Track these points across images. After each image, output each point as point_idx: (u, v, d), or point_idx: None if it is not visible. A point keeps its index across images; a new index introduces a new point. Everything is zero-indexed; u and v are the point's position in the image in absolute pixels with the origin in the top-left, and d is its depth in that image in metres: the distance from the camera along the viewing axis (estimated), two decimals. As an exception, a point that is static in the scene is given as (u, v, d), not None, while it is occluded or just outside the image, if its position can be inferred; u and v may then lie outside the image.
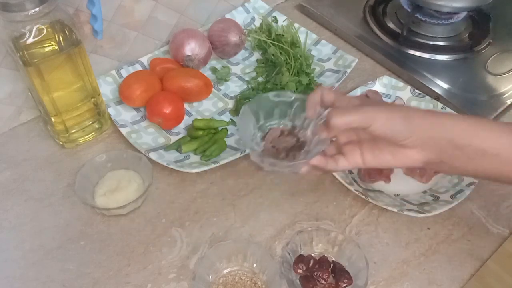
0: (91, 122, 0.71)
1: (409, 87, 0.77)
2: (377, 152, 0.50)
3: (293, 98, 0.54)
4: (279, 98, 0.55)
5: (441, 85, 0.79)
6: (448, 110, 0.73)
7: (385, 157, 0.50)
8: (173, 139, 0.72)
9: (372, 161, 0.51)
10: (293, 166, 0.52)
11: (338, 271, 0.56)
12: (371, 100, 0.50)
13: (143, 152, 0.67)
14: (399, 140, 0.48)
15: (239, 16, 0.89)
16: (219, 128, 0.72)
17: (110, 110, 0.73)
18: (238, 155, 0.67)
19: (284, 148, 0.53)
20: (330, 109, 0.50)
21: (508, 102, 0.76)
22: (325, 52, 0.84)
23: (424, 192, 0.66)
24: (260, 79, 0.81)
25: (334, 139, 0.54)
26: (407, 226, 0.63)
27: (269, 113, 0.56)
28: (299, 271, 0.56)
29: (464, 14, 0.87)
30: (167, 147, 0.69)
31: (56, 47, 0.60)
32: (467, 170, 0.50)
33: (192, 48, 0.78)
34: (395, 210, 0.61)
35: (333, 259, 0.58)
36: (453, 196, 0.63)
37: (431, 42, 0.86)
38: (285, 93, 0.55)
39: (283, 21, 0.88)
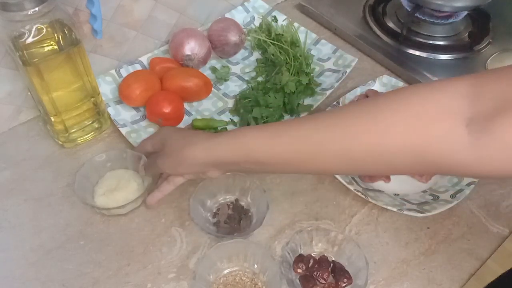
0: (90, 122, 0.71)
1: (409, 87, 0.77)
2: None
3: None
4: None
5: (441, 84, 0.79)
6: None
7: (196, 175, 0.59)
8: (173, 138, 0.72)
9: (191, 177, 0.60)
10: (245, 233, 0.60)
11: (338, 271, 0.56)
12: (163, 138, 0.60)
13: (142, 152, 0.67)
14: (192, 174, 0.58)
15: (239, 16, 0.89)
16: (219, 128, 0.72)
17: (110, 110, 0.73)
18: (238, 154, 0.67)
19: (235, 221, 0.61)
20: (146, 161, 0.63)
21: (508, 101, 0.76)
22: (324, 52, 0.84)
23: (424, 191, 0.66)
24: (259, 78, 0.81)
25: None
26: (407, 226, 0.63)
27: (212, 193, 0.64)
28: (299, 270, 0.56)
29: (463, 13, 0.87)
30: (166, 147, 0.69)
31: (56, 47, 0.60)
32: (256, 172, 0.61)
33: (191, 48, 0.78)
34: (395, 209, 0.61)
35: (333, 259, 0.58)
36: (452, 196, 0.63)
37: (431, 42, 0.86)
38: None
39: (283, 21, 0.88)
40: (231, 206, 0.63)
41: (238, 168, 0.55)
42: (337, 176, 0.64)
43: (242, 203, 0.63)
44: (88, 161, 0.65)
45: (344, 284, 0.55)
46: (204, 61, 0.80)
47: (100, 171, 0.65)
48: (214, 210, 0.63)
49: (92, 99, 0.69)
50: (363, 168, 0.48)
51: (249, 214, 0.62)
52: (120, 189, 0.63)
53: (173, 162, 0.56)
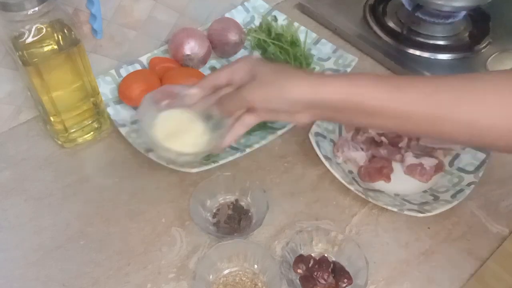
0: (90, 122, 0.71)
1: (409, 87, 0.77)
2: (274, 112, 0.52)
3: None
4: None
5: (441, 84, 0.79)
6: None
7: (281, 116, 0.53)
8: (173, 138, 0.72)
9: (271, 117, 0.54)
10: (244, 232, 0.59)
11: (338, 271, 0.56)
12: (257, 67, 0.52)
13: (142, 151, 0.67)
14: (282, 111, 0.51)
15: (239, 15, 0.89)
16: (219, 128, 0.72)
17: (110, 110, 0.73)
18: (238, 154, 0.67)
19: (235, 222, 0.60)
20: (220, 97, 0.53)
21: (508, 101, 0.76)
22: (325, 51, 0.84)
23: (424, 191, 0.66)
24: (259, 78, 0.81)
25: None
26: (407, 226, 0.62)
27: (212, 193, 0.62)
28: (299, 271, 0.56)
29: (464, 13, 0.87)
30: (166, 147, 0.69)
31: (56, 47, 0.60)
32: (353, 124, 0.54)
33: (191, 48, 0.78)
34: (395, 209, 0.61)
35: (333, 259, 0.58)
36: (453, 196, 0.63)
37: (431, 41, 0.86)
38: None
39: (283, 20, 0.88)
40: (231, 206, 0.63)
41: (338, 116, 0.50)
42: (337, 176, 0.64)
43: (242, 203, 0.63)
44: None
45: (344, 284, 0.55)
46: (204, 61, 0.80)
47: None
48: (214, 210, 0.63)
49: (92, 99, 0.69)
50: (488, 141, 0.46)
51: (249, 214, 0.62)
52: (184, 132, 0.55)
53: (268, 93, 0.50)
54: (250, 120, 0.54)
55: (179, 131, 0.54)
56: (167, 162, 0.63)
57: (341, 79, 0.49)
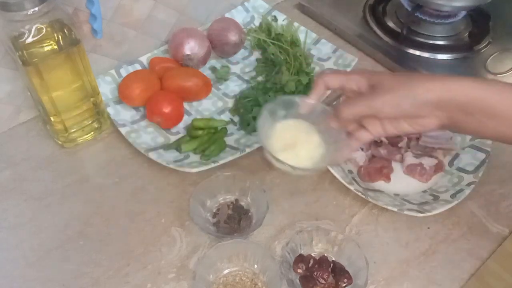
0: (90, 122, 0.71)
1: (409, 87, 0.77)
2: (395, 122, 0.52)
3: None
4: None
5: (441, 84, 0.79)
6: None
7: (403, 126, 0.52)
8: (173, 138, 0.72)
9: (392, 130, 0.53)
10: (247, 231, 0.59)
11: (338, 271, 0.56)
12: (377, 76, 0.51)
13: (142, 151, 0.67)
14: (409, 116, 0.50)
15: (239, 15, 0.89)
16: (219, 128, 0.72)
17: (110, 110, 0.73)
18: (238, 154, 0.67)
19: (235, 222, 0.60)
20: (337, 105, 0.53)
21: (508, 101, 0.76)
22: (325, 51, 0.84)
23: (424, 191, 0.66)
24: (259, 78, 0.81)
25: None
26: (407, 226, 0.62)
27: (212, 193, 0.62)
28: (299, 270, 0.56)
29: (464, 13, 0.87)
30: (166, 147, 0.69)
31: (55, 47, 0.60)
32: (478, 132, 0.51)
33: (191, 47, 0.78)
34: (395, 209, 0.61)
35: (333, 259, 0.58)
36: (453, 196, 0.63)
37: (431, 41, 0.86)
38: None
39: (283, 20, 0.88)
40: (231, 206, 0.63)
41: (466, 120, 0.48)
42: (337, 176, 0.64)
43: (242, 203, 0.63)
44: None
45: (344, 284, 0.55)
46: (204, 61, 0.80)
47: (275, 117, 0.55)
48: (214, 210, 0.63)
49: (92, 99, 0.69)
50: None
51: (249, 214, 0.62)
52: (301, 144, 0.54)
53: (396, 97, 0.48)
54: (366, 137, 0.54)
55: (295, 142, 0.54)
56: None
57: (469, 79, 0.47)
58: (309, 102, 0.55)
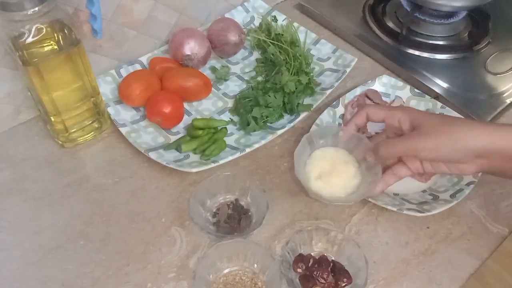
0: (90, 122, 0.71)
1: (408, 87, 0.77)
2: (435, 164, 0.53)
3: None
4: None
5: (440, 84, 0.79)
6: (448, 109, 0.73)
7: (442, 168, 0.53)
8: (173, 138, 0.72)
9: (430, 169, 0.55)
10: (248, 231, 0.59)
11: (338, 270, 0.56)
12: (420, 117, 0.52)
13: (142, 151, 0.67)
14: (449, 161, 0.51)
15: (239, 16, 0.89)
16: (219, 128, 0.72)
17: (110, 110, 0.73)
18: (238, 154, 0.67)
19: (235, 221, 0.60)
20: (378, 142, 0.54)
21: (508, 101, 0.76)
22: (324, 52, 0.84)
23: (424, 191, 0.66)
24: (259, 78, 0.81)
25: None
26: (407, 225, 0.63)
27: (212, 193, 0.62)
28: (299, 270, 0.56)
29: (463, 13, 0.87)
30: (166, 147, 0.69)
31: (56, 47, 0.60)
32: None
33: (191, 48, 0.78)
34: (395, 209, 0.61)
35: (333, 258, 0.58)
36: (452, 195, 0.63)
37: (431, 42, 0.86)
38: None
39: (283, 21, 0.88)
40: (231, 206, 0.63)
41: (508, 167, 0.49)
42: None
43: (242, 203, 0.63)
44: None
45: (343, 284, 0.55)
46: (204, 61, 0.80)
47: (313, 146, 0.57)
48: (214, 210, 0.63)
49: (92, 99, 0.69)
50: None
51: (249, 213, 0.62)
52: (337, 173, 0.55)
53: (439, 143, 0.49)
54: (403, 173, 0.55)
55: (332, 171, 0.56)
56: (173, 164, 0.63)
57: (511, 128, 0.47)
58: (348, 131, 0.56)
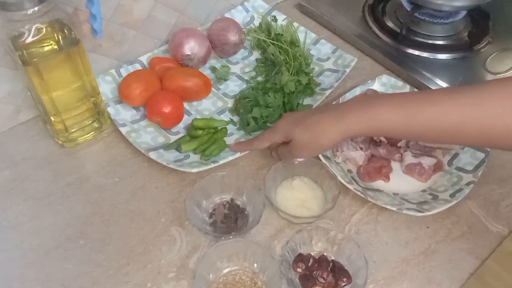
0: (90, 122, 0.71)
1: (408, 86, 0.77)
2: None
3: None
4: None
5: (440, 84, 0.79)
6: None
7: None
8: (173, 138, 0.72)
9: None
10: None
11: (338, 270, 0.56)
12: (291, 132, 0.61)
13: (142, 151, 0.67)
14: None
15: (239, 15, 0.89)
16: (219, 128, 0.72)
17: (110, 109, 0.73)
18: (238, 154, 0.67)
19: (231, 221, 0.61)
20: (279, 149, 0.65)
21: (508, 101, 0.76)
22: (324, 52, 0.84)
23: (423, 191, 0.66)
24: (259, 78, 0.81)
25: None
26: (407, 225, 0.63)
27: (208, 194, 0.63)
28: (299, 270, 0.56)
29: (463, 13, 0.87)
30: (166, 147, 0.69)
31: (55, 46, 0.60)
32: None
33: (191, 47, 0.78)
34: (394, 209, 0.61)
35: (333, 258, 0.58)
36: (452, 195, 0.63)
37: (431, 41, 0.86)
38: None
39: (283, 20, 0.88)
40: (226, 206, 0.63)
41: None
42: (337, 176, 0.64)
43: (238, 202, 0.63)
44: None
45: (343, 284, 0.55)
46: (203, 60, 0.80)
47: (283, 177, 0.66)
48: (210, 211, 0.63)
49: (92, 98, 0.69)
50: (503, 144, 0.50)
51: (245, 212, 0.62)
52: (311, 198, 0.64)
53: (310, 151, 0.61)
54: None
55: (304, 199, 0.64)
56: (167, 162, 0.64)
57: (357, 116, 0.56)
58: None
